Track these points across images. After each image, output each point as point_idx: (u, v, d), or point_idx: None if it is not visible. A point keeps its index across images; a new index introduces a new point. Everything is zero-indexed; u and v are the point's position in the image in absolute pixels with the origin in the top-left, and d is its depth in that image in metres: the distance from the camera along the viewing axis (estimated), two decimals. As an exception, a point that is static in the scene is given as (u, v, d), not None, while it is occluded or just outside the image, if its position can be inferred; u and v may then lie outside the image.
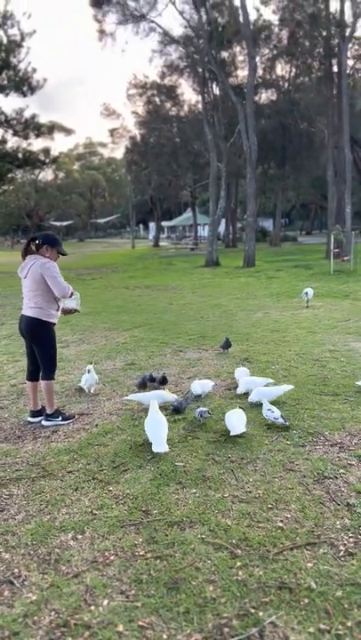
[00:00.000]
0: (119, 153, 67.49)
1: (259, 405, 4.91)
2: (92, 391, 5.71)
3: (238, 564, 2.66)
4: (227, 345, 7.24)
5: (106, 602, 2.44)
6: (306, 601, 2.38)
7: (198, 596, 2.44)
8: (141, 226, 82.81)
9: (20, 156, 26.36)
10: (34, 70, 24.86)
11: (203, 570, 2.63)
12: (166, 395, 5.04)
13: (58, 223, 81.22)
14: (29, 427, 4.83)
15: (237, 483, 3.50)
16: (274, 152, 36.28)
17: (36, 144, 75.73)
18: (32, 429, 4.76)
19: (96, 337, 8.85)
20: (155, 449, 3.99)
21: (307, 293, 11.61)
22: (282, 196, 42.21)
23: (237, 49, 31.21)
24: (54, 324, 4.84)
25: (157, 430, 4.11)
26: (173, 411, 4.94)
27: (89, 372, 5.65)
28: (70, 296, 4.84)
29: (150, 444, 4.03)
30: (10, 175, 36.10)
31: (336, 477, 3.54)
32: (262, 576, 2.55)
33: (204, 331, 8.97)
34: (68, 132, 66.09)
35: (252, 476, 3.58)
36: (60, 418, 4.86)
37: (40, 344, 4.79)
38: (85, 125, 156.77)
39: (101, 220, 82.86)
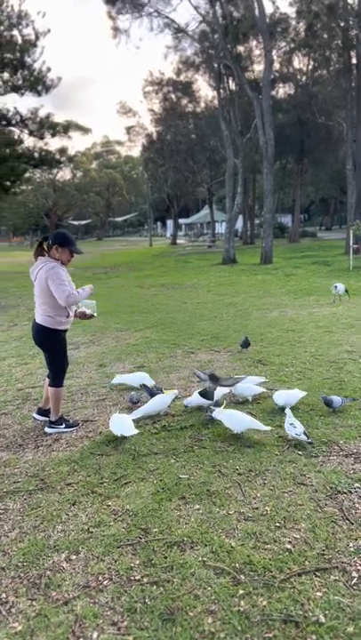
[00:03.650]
0: (136, 151, 67.37)
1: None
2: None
3: (241, 591, 2.44)
4: (246, 344, 7.08)
5: (96, 634, 2.25)
6: (313, 637, 2.16)
7: (195, 630, 2.23)
8: (159, 223, 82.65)
9: (35, 155, 26.38)
10: (48, 69, 24.77)
11: (202, 598, 2.42)
12: (168, 398, 4.85)
13: (76, 222, 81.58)
14: (32, 434, 4.67)
15: (244, 498, 3.28)
16: (292, 147, 35.78)
17: (54, 143, 76.11)
18: (34, 437, 4.60)
19: (107, 338, 8.69)
20: (128, 433, 4.28)
21: (336, 287, 11.23)
22: (300, 191, 41.64)
23: (254, 43, 30.77)
24: (65, 330, 4.66)
25: (125, 419, 4.40)
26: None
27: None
28: (81, 313, 4.74)
29: (143, 458, 3.85)
30: (27, 175, 36.28)
31: (350, 492, 3.30)
32: (266, 607, 2.34)
33: (217, 331, 8.75)
34: (84, 130, 66.16)
35: (260, 491, 3.36)
36: (64, 425, 4.69)
37: (48, 351, 4.65)
38: (103, 124, 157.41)
39: (119, 219, 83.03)
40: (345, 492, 3.30)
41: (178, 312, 11.11)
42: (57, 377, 4.65)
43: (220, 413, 4.27)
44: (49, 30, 24.03)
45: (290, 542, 2.81)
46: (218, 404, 4.67)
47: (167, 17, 27.33)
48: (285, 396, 4.80)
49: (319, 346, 7.33)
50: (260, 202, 41.30)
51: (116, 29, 27.43)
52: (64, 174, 72.21)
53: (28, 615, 2.39)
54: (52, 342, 4.59)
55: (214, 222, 49.21)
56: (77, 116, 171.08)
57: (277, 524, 2.98)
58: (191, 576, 2.58)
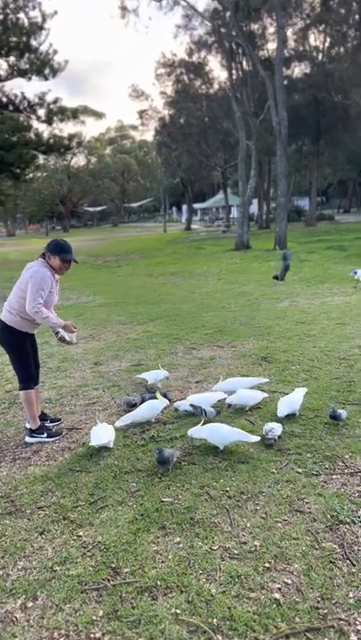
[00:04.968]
0: (149, 135, 66.00)
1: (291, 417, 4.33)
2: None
3: (215, 659, 2.06)
4: (283, 273, 6.23)
5: None
6: None
7: None
8: (175, 209, 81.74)
9: (44, 141, 25.88)
10: (55, 52, 24.20)
11: (169, 666, 2.04)
12: (159, 404, 4.45)
13: (91, 209, 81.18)
14: (12, 444, 4.33)
15: (231, 529, 2.88)
16: (308, 127, 34.70)
17: (68, 129, 75.32)
18: (14, 447, 4.26)
19: (108, 332, 8.32)
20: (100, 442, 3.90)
21: (356, 273, 10.74)
22: (317, 173, 40.53)
23: (268, 20, 29.72)
24: (29, 334, 4.32)
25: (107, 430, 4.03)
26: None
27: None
28: (61, 337, 4.30)
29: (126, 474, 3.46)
30: (41, 161, 35.83)
31: (353, 522, 2.88)
32: None
33: (223, 324, 8.31)
34: (98, 115, 65.54)
35: (251, 519, 2.95)
36: (46, 434, 4.34)
37: (9, 352, 4.33)
38: (117, 109, 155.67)
39: (134, 204, 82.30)
40: (348, 523, 2.88)
41: (184, 303, 10.68)
42: (22, 380, 4.32)
43: (201, 431, 3.85)
44: (55, 12, 23.48)
45: (279, 590, 2.40)
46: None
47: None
48: (289, 404, 4.37)
49: (329, 340, 6.86)
50: (276, 185, 40.42)
51: (123, 9, 26.68)
52: (78, 160, 71.78)
53: None
54: (12, 343, 4.26)
55: (229, 207, 48.34)
56: (93, 101, 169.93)
57: (267, 565, 2.57)
58: (160, 635, 2.19)
